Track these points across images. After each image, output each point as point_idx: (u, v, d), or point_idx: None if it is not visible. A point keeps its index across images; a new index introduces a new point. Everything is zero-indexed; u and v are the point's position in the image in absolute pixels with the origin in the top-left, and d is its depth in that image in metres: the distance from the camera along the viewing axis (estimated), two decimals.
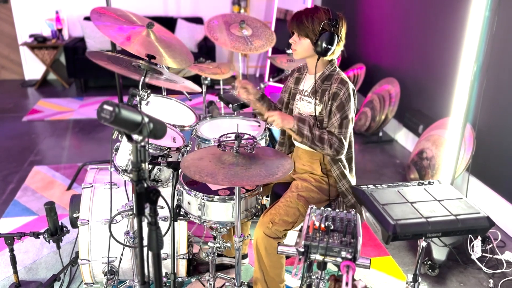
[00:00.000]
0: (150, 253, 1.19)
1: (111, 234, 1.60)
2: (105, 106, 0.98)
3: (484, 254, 2.53)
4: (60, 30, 5.81)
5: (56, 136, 4.27)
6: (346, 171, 1.99)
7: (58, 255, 2.44)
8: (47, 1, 5.90)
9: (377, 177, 3.55)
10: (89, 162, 3.35)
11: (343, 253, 1.30)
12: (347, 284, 1.23)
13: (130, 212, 1.72)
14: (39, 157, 3.78)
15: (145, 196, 1.12)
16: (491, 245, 2.59)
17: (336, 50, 1.89)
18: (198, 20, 6.17)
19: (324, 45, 1.82)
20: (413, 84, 3.99)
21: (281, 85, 5.54)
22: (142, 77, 1.82)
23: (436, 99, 3.63)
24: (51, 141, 4.16)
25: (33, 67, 6.14)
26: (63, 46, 5.58)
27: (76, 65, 5.58)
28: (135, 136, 1.08)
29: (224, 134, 1.77)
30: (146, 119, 1.05)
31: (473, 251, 2.49)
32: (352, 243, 1.32)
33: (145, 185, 1.11)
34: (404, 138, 4.16)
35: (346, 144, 1.88)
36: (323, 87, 1.92)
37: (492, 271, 2.42)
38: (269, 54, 5.92)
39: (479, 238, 2.51)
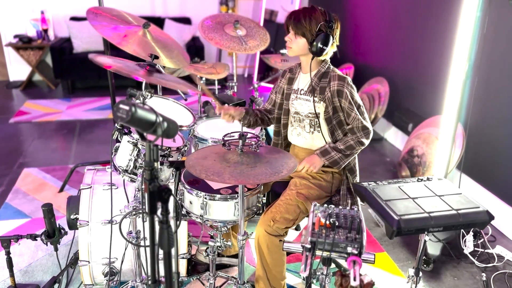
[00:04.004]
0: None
1: (121, 234, 1.60)
2: (121, 106, 0.98)
3: (476, 248, 2.59)
4: (45, 31, 5.73)
5: (45, 138, 4.21)
6: (354, 167, 2.12)
7: (54, 258, 2.42)
8: (32, 1, 5.80)
9: (369, 175, 3.59)
10: (81, 164, 3.32)
11: (349, 249, 1.33)
12: (354, 279, 1.26)
13: (134, 212, 1.71)
14: (29, 159, 3.72)
15: (158, 195, 1.13)
16: (482, 240, 2.65)
17: (329, 51, 1.95)
18: (185, 20, 6.15)
19: (319, 45, 1.87)
20: (402, 83, 4.06)
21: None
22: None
23: (425, 98, 3.70)
24: (40, 142, 4.10)
25: (18, 68, 6.03)
26: (49, 47, 5.50)
27: (62, 66, 5.50)
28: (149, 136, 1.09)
29: (228, 133, 1.78)
30: (160, 118, 1.05)
31: (465, 246, 2.55)
32: (358, 238, 1.35)
33: (158, 184, 1.12)
34: (394, 137, 4.22)
35: (368, 124, 1.97)
36: (321, 84, 1.97)
37: (484, 265, 2.48)
38: (257, 54, 5.95)
39: (471, 233, 2.57)
